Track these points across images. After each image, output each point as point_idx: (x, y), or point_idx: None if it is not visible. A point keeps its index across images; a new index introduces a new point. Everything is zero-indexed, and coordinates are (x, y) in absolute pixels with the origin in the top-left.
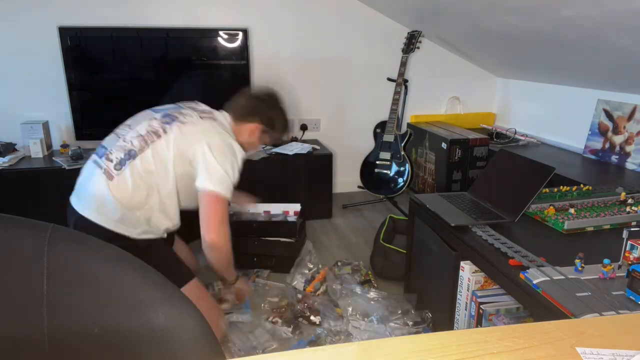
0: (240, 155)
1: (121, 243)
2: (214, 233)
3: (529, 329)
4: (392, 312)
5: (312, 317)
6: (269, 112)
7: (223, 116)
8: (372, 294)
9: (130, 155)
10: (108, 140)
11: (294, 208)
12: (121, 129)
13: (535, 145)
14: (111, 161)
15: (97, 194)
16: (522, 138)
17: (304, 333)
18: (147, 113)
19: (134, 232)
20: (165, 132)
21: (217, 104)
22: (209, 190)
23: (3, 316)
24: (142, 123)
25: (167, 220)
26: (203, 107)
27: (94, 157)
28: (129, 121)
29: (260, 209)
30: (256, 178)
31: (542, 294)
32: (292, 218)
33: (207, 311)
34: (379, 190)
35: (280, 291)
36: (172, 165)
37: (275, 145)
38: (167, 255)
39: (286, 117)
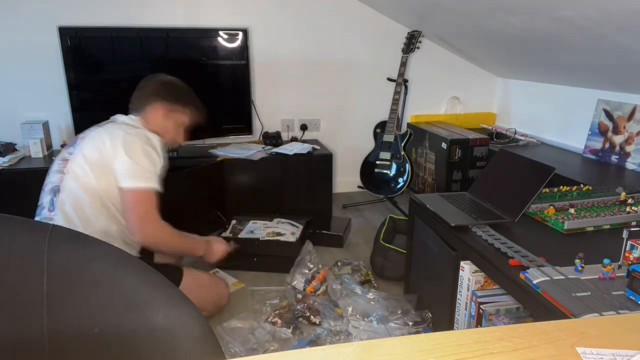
0: (155, 139)
1: None
2: (142, 234)
3: (529, 329)
4: (392, 312)
5: (312, 317)
6: (160, 86)
7: (127, 117)
8: (372, 294)
9: (54, 191)
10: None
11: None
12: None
13: (535, 145)
14: (44, 207)
15: None
16: (522, 138)
17: (304, 333)
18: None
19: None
20: (70, 153)
21: (217, 104)
22: (126, 187)
23: (3, 316)
24: (55, 162)
25: (122, 239)
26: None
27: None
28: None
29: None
30: (256, 178)
31: (542, 294)
32: (294, 237)
33: (213, 287)
34: (379, 190)
35: (280, 292)
36: (95, 181)
37: (273, 145)
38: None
39: (183, 86)
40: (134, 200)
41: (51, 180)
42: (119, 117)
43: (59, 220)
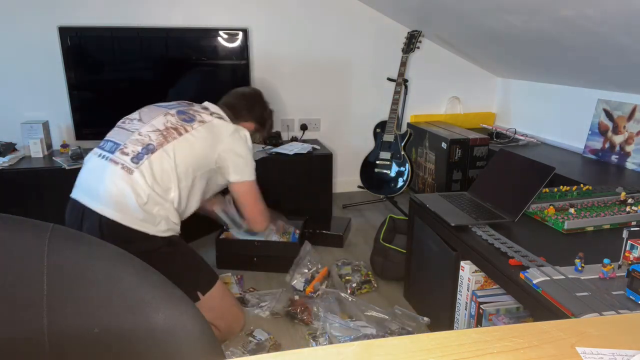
0: (250, 140)
1: (149, 244)
2: (259, 223)
3: (529, 329)
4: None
5: (310, 318)
6: (259, 111)
7: (225, 114)
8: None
9: (149, 149)
10: (116, 135)
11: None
12: (129, 124)
13: (535, 145)
14: (127, 155)
15: (117, 191)
16: (522, 138)
17: (303, 333)
18: (155, 108)
19: (157, 230)
20: (186, 130)
21: (216, 104)
22: (246, 180)
23: (3, 316)
24: (157, 118)
25: (178, 219)
26: (205, 106)
27: (100, 152)
28: (135, 115)
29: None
30: (256, 178)
31: (542, 293)
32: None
33: (231, 307)
34: (379, 190)
35: (278, 293)
36: (193, 164)
37: (273, 145)
38: (194, 253)
39: (272, 116)
40: (249, 191)
41: (147, 134)
42: (224, 116)
43: (139, 174)
